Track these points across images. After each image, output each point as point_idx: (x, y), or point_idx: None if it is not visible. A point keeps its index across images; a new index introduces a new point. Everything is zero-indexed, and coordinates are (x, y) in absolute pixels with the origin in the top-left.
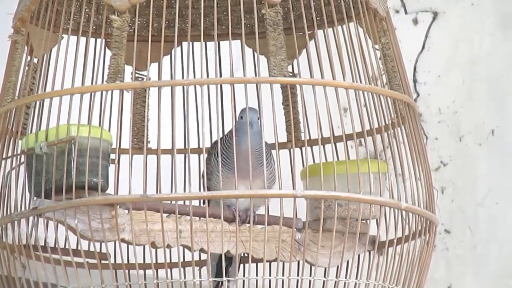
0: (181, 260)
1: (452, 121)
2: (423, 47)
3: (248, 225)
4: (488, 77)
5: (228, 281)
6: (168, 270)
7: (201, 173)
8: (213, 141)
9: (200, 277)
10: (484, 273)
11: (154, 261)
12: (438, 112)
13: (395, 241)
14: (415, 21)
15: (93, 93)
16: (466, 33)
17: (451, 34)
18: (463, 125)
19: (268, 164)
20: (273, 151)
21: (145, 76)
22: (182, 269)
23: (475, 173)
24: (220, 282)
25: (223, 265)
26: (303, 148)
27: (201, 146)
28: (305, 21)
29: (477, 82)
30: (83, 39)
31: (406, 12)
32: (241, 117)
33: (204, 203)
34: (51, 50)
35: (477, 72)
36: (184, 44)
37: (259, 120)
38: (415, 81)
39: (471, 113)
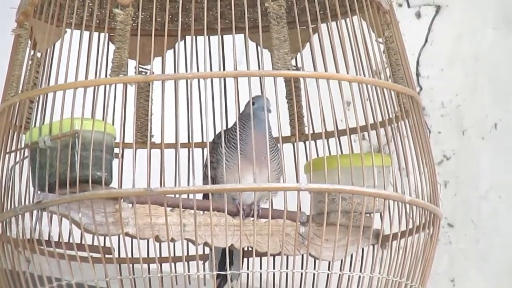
0: (185, 254)
1: (455, 115)
2: (426, 40)
3: (252, 219)
4: (491, 70)
5: (231, 279)
6: (172, 264)
7: (204, 163)
8: (217, 132)
9: (204, 271)
10: (487, 267)
11: (158, 255)
12: (441, 106)
13: (399, 234)
14: (418, 15)
15: (96, 87)
16: (469, 27)
17: (454, 28)
18: (466, 119)
19: (276, 154)
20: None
21: (149, 70)
22: (186, 263)
23: (478, 167)
24: (222, 281)
25: (226, 262)
26: (307, 142)
27: (204, 140)
28: (308, 14)
29: (480, 75)
30: (86, 33)
31: (409, 6)
32: (254, 103)
33: (207, 197)
34: (54, 44)
35: (480, 65)
36: (188, 38)
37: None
38: (418, 74)
39: (474, 107)
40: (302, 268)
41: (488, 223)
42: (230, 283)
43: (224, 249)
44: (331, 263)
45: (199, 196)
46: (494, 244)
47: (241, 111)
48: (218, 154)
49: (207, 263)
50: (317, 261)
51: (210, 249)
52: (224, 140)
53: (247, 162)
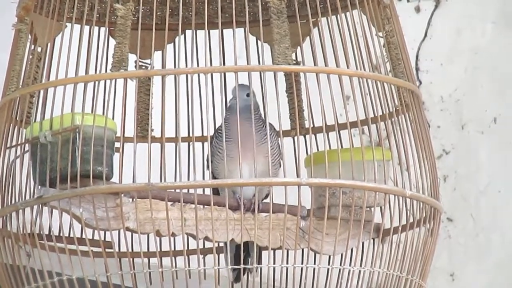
0: (186, 248)
1: (455, 109)
2: (425, 35)
3: (252, 213)
4: (490, 65)
5: (250, 272)
6: (173, 258)
7: (205, 158)
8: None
9: (204, 265)
10: (486, 261)
11: (159, 249)
12: (440, 100)
13: (400, 228)
14: (417, 9)
15: (97, 82)
16: (469, 21)
17: (453, 22)
18: (466, 113)
19: (271, 142)
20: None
21: (149, 64)
22: (187, 257)
23: (477, 161)
24: (241, 272)
25: (241, 254)
26: (307, 136)
27: (205, 134)
28: (309, 8)
29: (479, 70)
30: (87, 28)
31: (408, 0)
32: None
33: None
34: (55, 39)
35: (479, 60)
36: (188, 32)
37: (248, 97)
38: (417, 69)
39: (473, 101)
40: (302, 263)
41: (487, 217)
42: (249, 274)
43: (237, 245)
44: (331, 257)
45: (200, 191)
46: (493, 239)
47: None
48: (212, 146)
49: (207, 257)
50: (317, 255)
51: (225, 244)
52: (216, 134)
53: (236, 150)
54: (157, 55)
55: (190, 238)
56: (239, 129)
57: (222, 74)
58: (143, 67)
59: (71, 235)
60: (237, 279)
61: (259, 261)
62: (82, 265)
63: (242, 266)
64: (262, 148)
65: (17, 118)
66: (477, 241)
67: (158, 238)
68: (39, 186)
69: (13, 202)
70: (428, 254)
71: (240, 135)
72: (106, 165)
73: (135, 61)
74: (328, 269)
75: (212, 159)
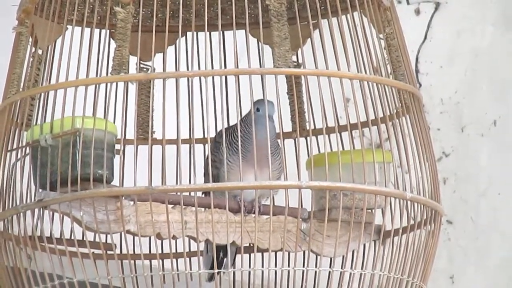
0: (187, 250)
1: (454, 111)
2: (425, 37)
3: (253, 215)
4: (490, 67)
5: (224, 272)
6: (174, 260)
7: (205, 160)
8: (219, 130)
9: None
10: (486, 264)
11: (160, 252)
12: (440, 102)
13: (401, 231)
14: (417, 12)
15: (97, 85)
16: (468, 24)
17: (453, 24)
18: (465, 116)
19: (278, 155)
20: (278, 141)
21: (150, 66)
22: (188, 260)
23: (477, 164)
24: (214, 273)
25: (219, 255)
26: (308, 138)
27: (205, 136)
28: (309, 10)
29: (479, 72)
30: (87, 30)
31: (408, 3)
32: (258, 109)
33: (208, 193)
34: (55, 42)
35: (479, 62)
36: (189, 34)
37: (271, 119)
38: (417, 71)
39: (473, 104)
40: (303, 265)
41: (487, 220)
42: (222, 274)
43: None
44: (332, 259)
45: (200, 193)
46: (493, 241)
47: (242, 108)
48: (220, 153)
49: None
50: (318, 258)
51: (207, 245)
52: (226, 140)
53: (248, 165)
54: (158, 57)
55: (191, 240)
56: (257, 147)
57: (223, 77)
58: (144, 69)
59: (72, 238)
60: (211, 279)
61: (234, 264)
62: (83, 268)
63: (247, 269)
64: (272, 161)
65: (18, 121)
66: (477, 244)
67: (159, 241)
68: (40, 189)
69: (13, 205)
70: (429, 257)
71: (257, 153)
72: (107, 168)
73: (136, 63)
74: (329, 271)
75: (217, 165)
